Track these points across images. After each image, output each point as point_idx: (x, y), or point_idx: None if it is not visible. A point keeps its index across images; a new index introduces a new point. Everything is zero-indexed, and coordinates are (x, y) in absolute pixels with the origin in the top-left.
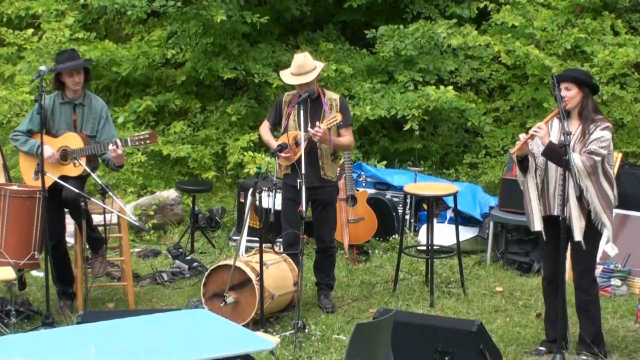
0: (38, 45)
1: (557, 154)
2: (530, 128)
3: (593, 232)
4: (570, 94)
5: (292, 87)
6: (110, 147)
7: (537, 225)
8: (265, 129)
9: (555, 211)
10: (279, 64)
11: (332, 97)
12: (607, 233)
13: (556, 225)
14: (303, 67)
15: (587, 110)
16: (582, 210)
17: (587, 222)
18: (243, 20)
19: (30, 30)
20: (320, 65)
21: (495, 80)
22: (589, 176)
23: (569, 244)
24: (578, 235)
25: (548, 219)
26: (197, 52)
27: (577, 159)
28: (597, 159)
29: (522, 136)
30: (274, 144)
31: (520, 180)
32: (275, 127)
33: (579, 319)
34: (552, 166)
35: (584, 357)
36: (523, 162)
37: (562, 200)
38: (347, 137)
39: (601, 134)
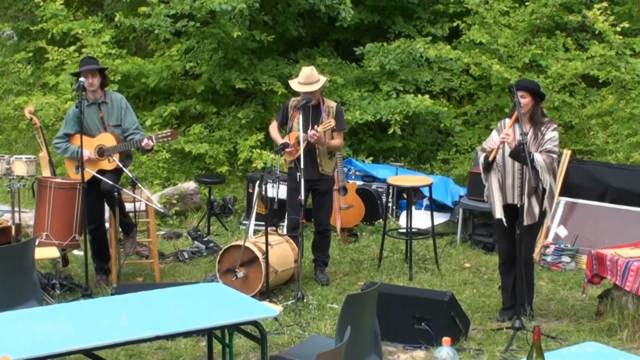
0: (77, 60)
1: (522, 154)
2: (493, 129)
3: (540, 218)
4: (525, 101)
5: (297, 93)
6: (145, 141)
7: (498, 214)
8: (273, 127)
9: (515, 200)
10: (282, 75)
11: (330, 104)
12: (549, 215)
13: (511, 212)
14: (310, 78)
15: (537, 115)
16: (537, 199)
17: (539, 208)
18: (252, 38)
19: (72, 48)
20: (323, 78)
21: (464, 89)
22: (548, 171)
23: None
24: (528, 220)
25: (506, 207)
26: (212, 65)
27: (539, 157)
28: (554, 156)
29: (488, 146)
30: (279, 141)
31: (483, 177)
32: (282, 127)
33: (523, 286)
34: (508, 162)
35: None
36: (492, 163)
37: (520, 191)
38: (337, 140)
39: (553, 134)
